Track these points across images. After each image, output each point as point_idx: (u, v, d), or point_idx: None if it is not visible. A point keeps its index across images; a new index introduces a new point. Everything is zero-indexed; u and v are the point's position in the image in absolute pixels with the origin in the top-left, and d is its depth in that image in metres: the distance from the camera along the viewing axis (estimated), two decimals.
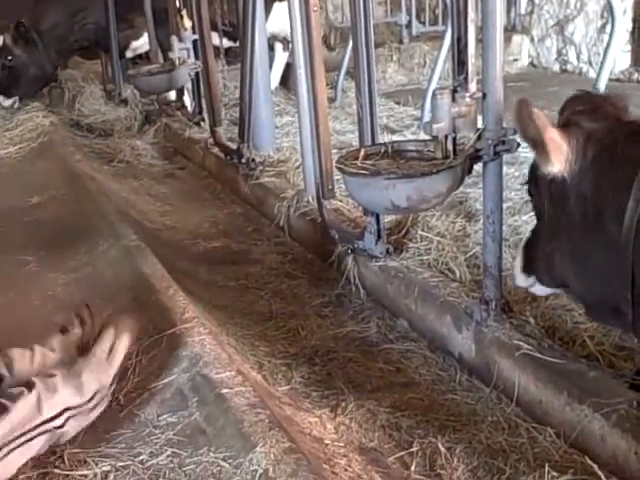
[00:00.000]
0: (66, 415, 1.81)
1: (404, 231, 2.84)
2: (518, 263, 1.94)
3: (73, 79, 5.76)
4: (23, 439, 1.73)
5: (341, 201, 3.11)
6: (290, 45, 5.44)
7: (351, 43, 2.92)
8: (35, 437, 1.75)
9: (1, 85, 5.32)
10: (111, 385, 1.95)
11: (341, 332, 2.61)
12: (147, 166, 4.52)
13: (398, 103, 4.89)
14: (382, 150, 2.24)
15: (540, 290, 1.95)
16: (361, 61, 2.54)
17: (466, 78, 2.12)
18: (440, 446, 1.98)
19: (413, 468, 1.94)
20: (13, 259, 3.03)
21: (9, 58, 5.33)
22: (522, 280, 1.94)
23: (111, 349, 1.98)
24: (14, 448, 1.72)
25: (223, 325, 2.55)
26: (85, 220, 3.33)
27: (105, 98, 5.58)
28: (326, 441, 2.01)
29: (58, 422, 1.79)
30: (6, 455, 1.71)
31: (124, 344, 1.99)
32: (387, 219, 2.81)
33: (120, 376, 2.01)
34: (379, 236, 2.66)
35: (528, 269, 1.91)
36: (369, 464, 1.96)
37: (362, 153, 2.20)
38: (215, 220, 3.68)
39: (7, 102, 5.34)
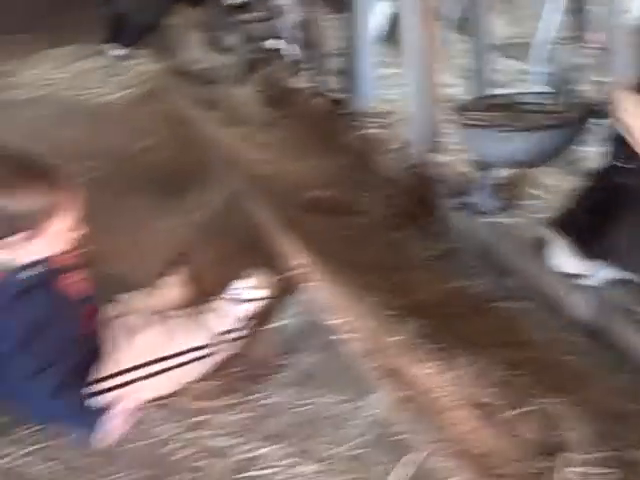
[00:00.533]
0: (191, 355, 1.84)
1: (515, 187, 2.77)
2: (562, 244, 1.73)
3: (179, 25, 5.79)
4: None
5: (449, 155, 3.05)
6: None
7: None
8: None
9: (110, 34, 5.41)
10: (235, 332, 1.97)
11: (450, 287, 2.57)
12: (250, 114, 4.52)
13: (506, 56, 4.72)
14: (498, 102, 2.17)
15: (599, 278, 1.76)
16: (478, 6, 2.46)
17: (584, 29, 2.02)
18: (554, 407, 1.94)
19: (527, 427, 1.91)
20: (124, 202, 3.10)
21: (113, 6, 5.41)
22: (575, 266, 1.74)
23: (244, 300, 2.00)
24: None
25: (331, 274, 2.55)
26: (194, 165, 3.37)
27: (209, 45, 5.59)
28: (438, 394, 1.99)
29: (183, 359, 1.83)
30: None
31: (256, 294, 2.00)
32: (499, 174, 2.74)
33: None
34: (489, 192, 2.60)
35: (591, 251, 1.72)
36: (482, 419, 1.93)
37: (479, 103, 2.14)
38: (319, 170, 3.66)
39: (118, 52, 5.42)
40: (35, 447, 1.72)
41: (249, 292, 2.03)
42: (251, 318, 2.02)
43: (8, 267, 1.68)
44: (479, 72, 2.48)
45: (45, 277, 1.70)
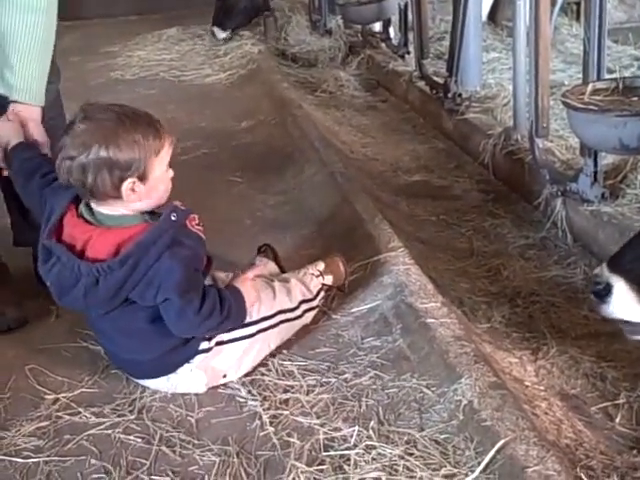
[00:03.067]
0: (279, 318, 1.89)
1: (622, 175, 2.68)
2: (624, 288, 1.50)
3: (280, 9, 5.85)
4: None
5: (552, 141, 2.98)
6: None
7: None
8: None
9: (217, 17, 5.52)
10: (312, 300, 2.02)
11: (545, 276, 2.52)
12: (349, 97, 4.54)
13: (616, 42, 4.56)
14: (612, 86, 2.11)
15: None
16: None
17: None
18: None
19: (618, 420, 1.86)
20: (225, 180, 3.18)
21: None
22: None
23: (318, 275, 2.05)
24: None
25: (424, 259, 2.54)
26: (292, 145, 3.41)
27: (310, 28, 5.63)
28: (526, 383, 1.97)
29: (272, 322, 1.88)
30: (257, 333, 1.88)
31: (329, 278, 2.07)
32: (604, 161, 2.66)
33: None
34: (595, 179, 2.53)
35: None
36: (570, 411, 1.90)
37: (589, 88, 2.08)
38: (416, 154, 3.65)
39: (222, 34, 5.53)
40: (131, 417, 1.80)
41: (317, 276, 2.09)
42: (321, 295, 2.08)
43: (143, 218, 1.76)
44: (590, 57, 2.40)
45: (183, 219, 1.75)
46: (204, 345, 1.83)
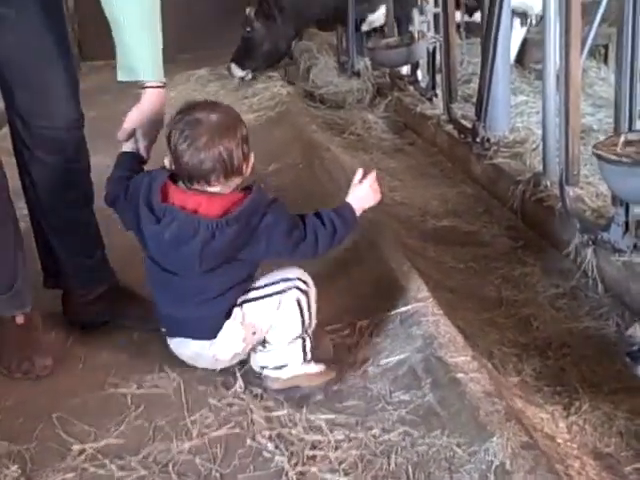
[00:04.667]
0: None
1: None
2: None
3: (308, 50, 5.90)
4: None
5: (582, 188, 2.96)
6: (528, 20, 5.25)
7: (598, 18, 2.74)
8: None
9: (238, 55, 5.57)
10: None
11: (576, 327, 2.48)
12: (377, 140, 4.55)
13: None
14: None
15: None
16: (625, 35, 2.37)
17: None
18: None
19: None
20: None
21: (248, 30, 5.57)
22: None
23: None
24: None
25: (452, 308, 2.52)
26: (320, 189, 3.41)
27: (338, 70, 5.67)
28: (558, 440, 1.93)
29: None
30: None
31: None
32: (636, 210, 2.63)
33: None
34: (627, 229, 2.50)
35: None
36: (604, 470, 1.85)
37: (622, 139, 2.06)
38: (444, 198, 3.64)
39: (240, 72, 5.58)
40: (157, 470, 1.80)
41: None
42: None
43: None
44: (621, 104, 2.38)
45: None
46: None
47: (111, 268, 2.52)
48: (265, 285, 2.05)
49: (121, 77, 2.15)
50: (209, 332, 2.05)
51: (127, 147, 2.23)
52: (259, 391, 2.05)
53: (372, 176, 2.14)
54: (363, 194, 2.13)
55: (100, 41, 6.67)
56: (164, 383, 2.13)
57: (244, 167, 2.01)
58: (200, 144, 1.92)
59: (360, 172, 2.16)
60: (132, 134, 2.20)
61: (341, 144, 4.42)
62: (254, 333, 2.03)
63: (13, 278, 2.25)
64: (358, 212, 2.12)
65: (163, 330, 2.17)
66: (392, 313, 2.25)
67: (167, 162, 2.02)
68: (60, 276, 2.47)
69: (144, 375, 2.17)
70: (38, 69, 2.22)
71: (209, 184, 1.97)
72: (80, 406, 2.05)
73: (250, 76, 5.57)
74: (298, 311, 2.02)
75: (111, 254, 2.55)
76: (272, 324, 2.03)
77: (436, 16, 4.20)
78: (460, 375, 1.89)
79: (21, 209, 2.43)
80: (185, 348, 2.11)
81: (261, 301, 2.04)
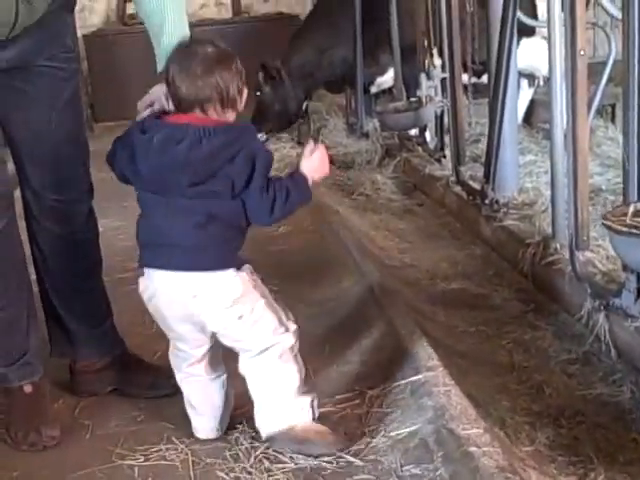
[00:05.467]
0: None
1: None
2: None
3: (318, 111, 5.98)
4: None
5: (592, 251, 2.94)
6: (535, 81, 5.31)
7: (604, 78, 2.77)
8: None
9: (252, 118, 5.65)
10: None
11: (590, 394, 2.44)
12: (386, 200, 4.57)
13: None
14: None
15: None
16: (631, 97, 2.38)
17: None
18: None
19: None
20: None
21: (257, 94, 5.66)
22: None
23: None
24: None
25: (463, 374, 2.49)
26: (329, 253, 3.42)
27: (347, 131, 5.73)
28: None
29: None
30: None
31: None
32: None
33: None
34: (638, 295, 2.48)
35: None
36: None
37: (631, 209, 2.06)
38: (453, 261, 3.63)
39: (259, 136, 5.65)
40: None
41: None
42: None
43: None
44: (630, 170, 2.38)
45: None
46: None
47: (119, 336, 2.51)
48: None
49: (161, 69, 2.16)
50: (196, 261, 2.00)
51: (141, 117, 2.19)
52: (267, 464, 2.02)
53: (322, 148, 2.13)
54: (315, 165, 2.09)
55: (112, 102, 6.91)
56: (172, 455, 2.10)
57: (238, 100, 2.01)
58: (198, 72, 1.95)
59: (311, 143, 2.14)
60: (150, 105, 2.17)
61: (350, 205, 4.44)
62: (241, 317, 2.01)
63: (25, 347, 2.24)
64: (310, 182, 2.08)
65: (142, 267, 2.08)
66: (402, 382, 2.23)
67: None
68: (68, 345, 2.46)
69: (152, 446, 2.14)
70: (52, 145, 2.25)
71: (205, 113, 1.98)
72: (87, 479, 2.02)
73: (264, 138, 5.63)
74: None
75: (118, 318, 2.55)
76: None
77: (443, 80, 4.25)
78: (473, 449, 1.86)
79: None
80: (163, 288, 2.03)
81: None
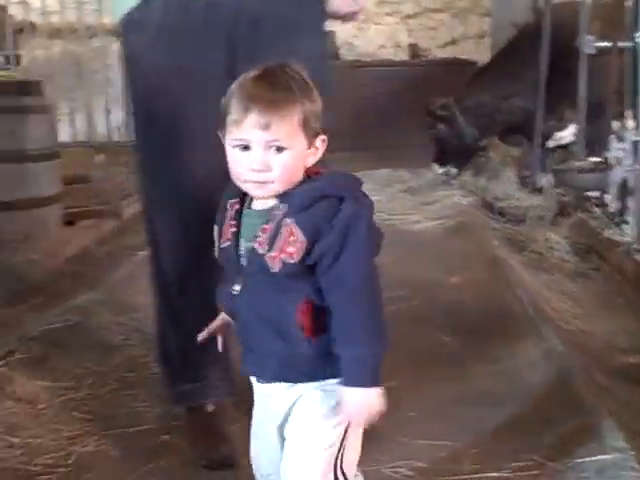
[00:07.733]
0: None
1: None
2: None
3: (491, 161, 5.94)
4: None
5: None
6: None
7: None
8: None
9: (434, 154, 5.75)
10: None
11: None
12: (559, 260, 4.44)
13: None
14: None
15: None
16: None
17: None
18: None
19: None
20: (429, 338, 3.16)
21: (431, 132, 5.74)
22: None
23: None
24: None
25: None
26: (504, 309, 3.37)
27: (519, 184, 5.66)
28: None
29: None
30: None
31: None
32: None
33: None
34: None
35: None
36: None
37: None
38: (631, 332, 3.46)
39: (439, 170, 5.82)
40: None
41: None
42: None
43: None
44: None
45: None
46: None
47: None
48: None
49: None
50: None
51: None
52: None
53: None
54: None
55: None
56: None
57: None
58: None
59: None
60: None
61: (521, 261, 4.35)
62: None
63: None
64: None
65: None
66: (587, 460, 2.14)
67: None
68: None
69: None
70: None
71: None
72: None
73: (454, 171, 5.74)
74: None
75: None
76: None
77: (635, 142, 4.11)
78: None
79: None
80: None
81: None
